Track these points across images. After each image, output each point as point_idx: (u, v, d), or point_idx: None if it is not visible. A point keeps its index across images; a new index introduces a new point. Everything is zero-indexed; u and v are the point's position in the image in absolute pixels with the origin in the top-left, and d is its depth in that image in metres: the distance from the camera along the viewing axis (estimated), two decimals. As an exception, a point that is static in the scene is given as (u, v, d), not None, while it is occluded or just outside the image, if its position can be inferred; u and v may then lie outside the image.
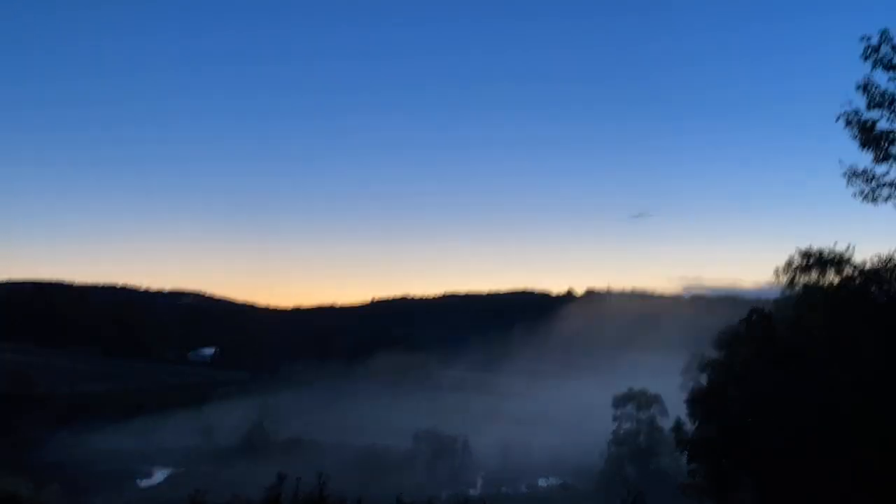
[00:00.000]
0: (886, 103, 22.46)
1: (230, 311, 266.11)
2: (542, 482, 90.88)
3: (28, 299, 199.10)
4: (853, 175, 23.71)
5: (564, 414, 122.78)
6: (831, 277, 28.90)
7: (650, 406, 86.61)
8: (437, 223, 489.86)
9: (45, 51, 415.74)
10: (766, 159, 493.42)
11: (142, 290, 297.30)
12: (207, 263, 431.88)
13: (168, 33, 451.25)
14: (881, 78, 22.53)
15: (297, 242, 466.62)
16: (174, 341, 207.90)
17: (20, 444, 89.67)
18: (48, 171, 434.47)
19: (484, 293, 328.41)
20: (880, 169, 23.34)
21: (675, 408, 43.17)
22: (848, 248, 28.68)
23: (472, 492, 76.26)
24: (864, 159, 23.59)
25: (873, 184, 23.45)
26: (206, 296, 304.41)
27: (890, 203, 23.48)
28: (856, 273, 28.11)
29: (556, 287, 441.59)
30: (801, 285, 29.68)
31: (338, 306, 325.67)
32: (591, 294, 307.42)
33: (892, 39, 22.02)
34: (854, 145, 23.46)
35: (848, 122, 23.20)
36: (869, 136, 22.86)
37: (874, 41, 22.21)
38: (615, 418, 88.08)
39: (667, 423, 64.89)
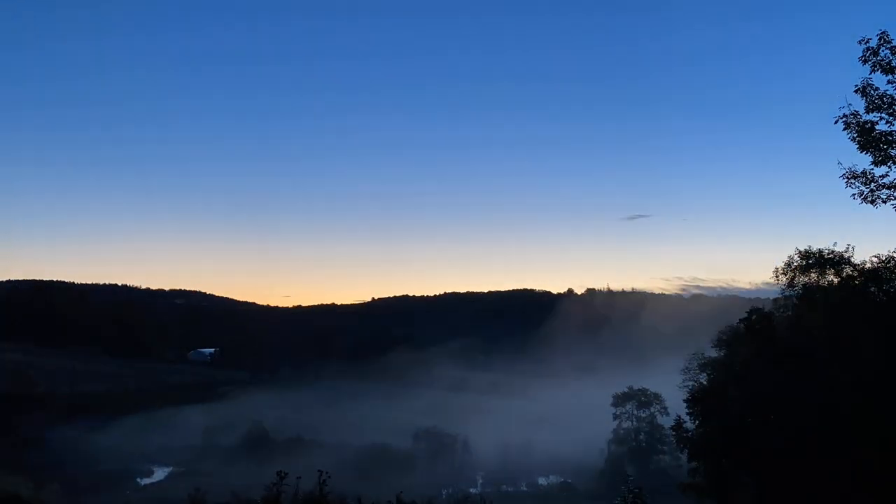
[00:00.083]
0: (885, 106, 22.48)
1: (230, 311, 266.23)
2: (542, 481, 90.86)
3: (28, 299, 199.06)
4: (852, 177, 23.76)
5: (564, 413, 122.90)
6: (831, 277, 29.01)
7: (650, 405, 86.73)
8: (437, 223, 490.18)
9: (45, 51, 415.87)
10: (765, 159, 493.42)
11: (142, 290, 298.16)
12: (207, 263, 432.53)
13: (168, 33, 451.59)
14: (880, 81, 22.58)
15: (297, 242, 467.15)
16: (174, 341, 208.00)
17: (20, 444, 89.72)
18: (48, 171, 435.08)
19: (484, 293, 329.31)
20: (879, 171, 23.41)
21: (675, 407, 43.19)
22: (847, 248, 28.83)
23: (472, 490, 76.14)
24: (864, 160, 23.67)
25: (872, 185, 23.49)
26: (207, 296, 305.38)
27: (889, 205, 23.52)
28: (855, 273, 28.20)
29: (555, 287, 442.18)
30: (800, 285, 29.80)
31: (338, 306, 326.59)
32: (590, 294, 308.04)
33: (890, 42, 22.03)
34: (853, 146, 23.53)
35: (847, 125, 23.25)
36: (868, 139, 22.89)
37: (873, 43, 22.25)
38: (615, 417, 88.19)
39: (667, 422, 65.00)
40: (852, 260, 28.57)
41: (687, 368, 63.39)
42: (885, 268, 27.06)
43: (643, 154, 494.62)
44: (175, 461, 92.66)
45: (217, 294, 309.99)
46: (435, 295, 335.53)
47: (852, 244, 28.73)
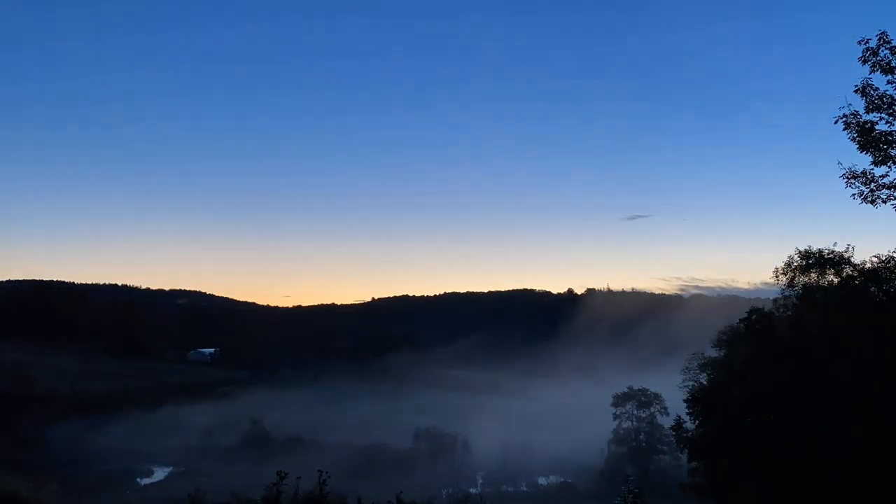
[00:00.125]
0: (885, 106, 22.48)
1: (230, 311, 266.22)
2: (542, 481, 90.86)
3: (28, 299, 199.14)
4: (852, 177, 23.75)
5: (564, 413, 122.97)
6: (831, 277, 28.99)
7: (650, 405, 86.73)
8: (437, 223, 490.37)
9: (45, 51, 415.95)
10: (765, 159, 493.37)
11: (142, 290, 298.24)
12: (207, 263, 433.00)
13: (168, 33, 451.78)
14: (880, 81, 22.59)
15: (297, 242, 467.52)
16: (174, 341, 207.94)
17: (20, 444, 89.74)
18: (48, 171, 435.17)
19: (484, 293, 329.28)
20: (879, 171, 23.41)
21: (675, 407, 43.17)
22: (847, 248, 28.81)
23: (472, 490, 76.12)
24: (864, 160, 23.66)
25: (872, 185, 23.49)
26: (207, 296, 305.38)
27: (889, 205, 23.51)
28: (855, 273, 28.18)
29: (555, 287, 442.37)
30: (800, 285, 29.77)
31: (338, 306, 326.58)
32: (590, 294, 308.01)
33: (890, 42, 22.04)
34: (853, 146, 23.53)
35: (847, 125, 23.25)
36: (868, 139, 22.89)
37: (872, 44, 22.26)
38: (615, 417, 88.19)
39: (667, 422, 65.01)
40: (852, 260, 28.56)
41: (687, 368, 63.40)
42: (885, 268, 27.03)
43: (643, 154, 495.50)
44: (175, 461, 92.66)
45: (217, 294, 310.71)
46: (435, 295, 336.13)
47: (852, 244, 28.71)
